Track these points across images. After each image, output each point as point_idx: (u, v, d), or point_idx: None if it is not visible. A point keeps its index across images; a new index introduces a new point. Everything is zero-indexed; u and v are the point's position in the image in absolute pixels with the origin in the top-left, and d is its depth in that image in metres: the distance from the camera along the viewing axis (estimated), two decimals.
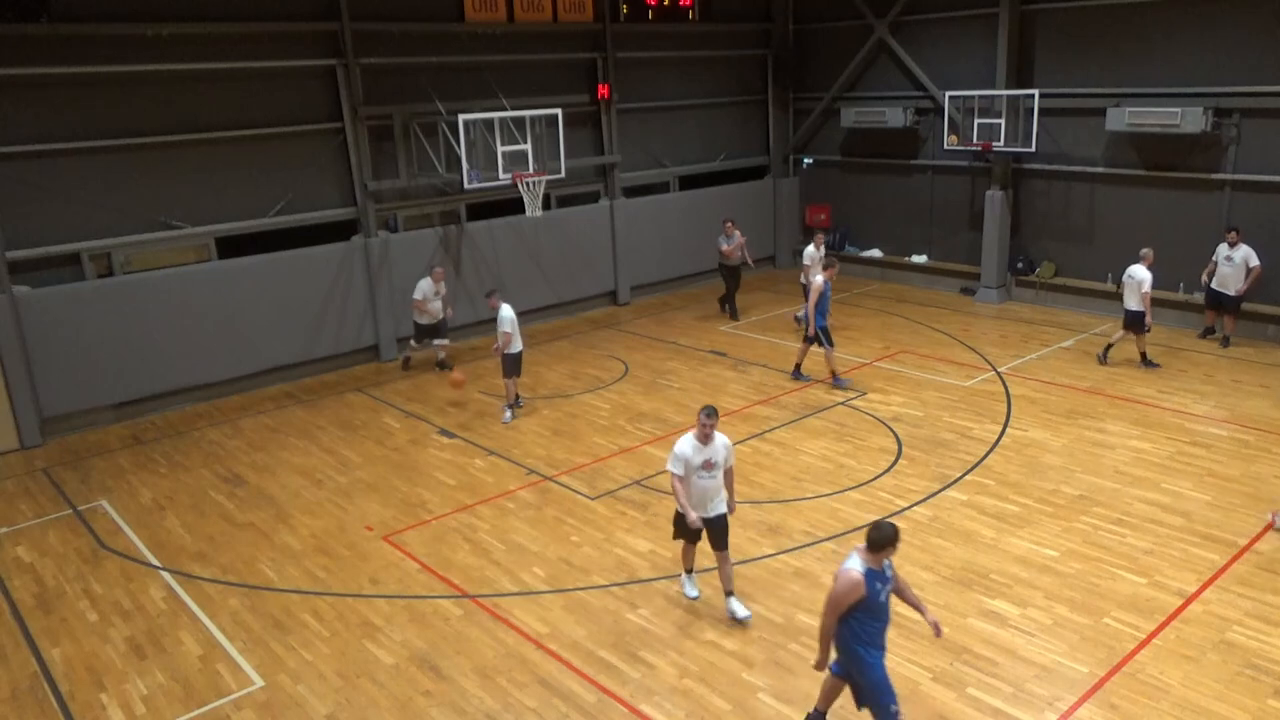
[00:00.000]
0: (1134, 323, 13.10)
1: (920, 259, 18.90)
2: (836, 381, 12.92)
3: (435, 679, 7.03)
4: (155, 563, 9.02)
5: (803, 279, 15.33)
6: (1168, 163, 15.22)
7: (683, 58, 18.79)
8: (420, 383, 14.09)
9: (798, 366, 13.40)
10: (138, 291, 12.75)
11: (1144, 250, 13.22)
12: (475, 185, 14.34)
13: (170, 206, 13.06)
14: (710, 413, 7.19)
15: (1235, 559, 8.19)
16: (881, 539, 5.47)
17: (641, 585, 8.20)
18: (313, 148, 14.24)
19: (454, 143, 14.24)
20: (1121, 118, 14.99)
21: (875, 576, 5.49)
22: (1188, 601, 7.58)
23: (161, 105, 12.79)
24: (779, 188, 20.75)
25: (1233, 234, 13.65)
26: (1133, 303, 13.03)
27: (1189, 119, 14.22)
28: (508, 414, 12.30)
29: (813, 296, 12.74)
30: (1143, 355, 13.32)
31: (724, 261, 16.55)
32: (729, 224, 16.51)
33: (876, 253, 19.45)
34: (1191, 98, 14.56)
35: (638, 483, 10.24)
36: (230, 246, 13.66)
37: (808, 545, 8.73)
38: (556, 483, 10.37)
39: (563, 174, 15.44)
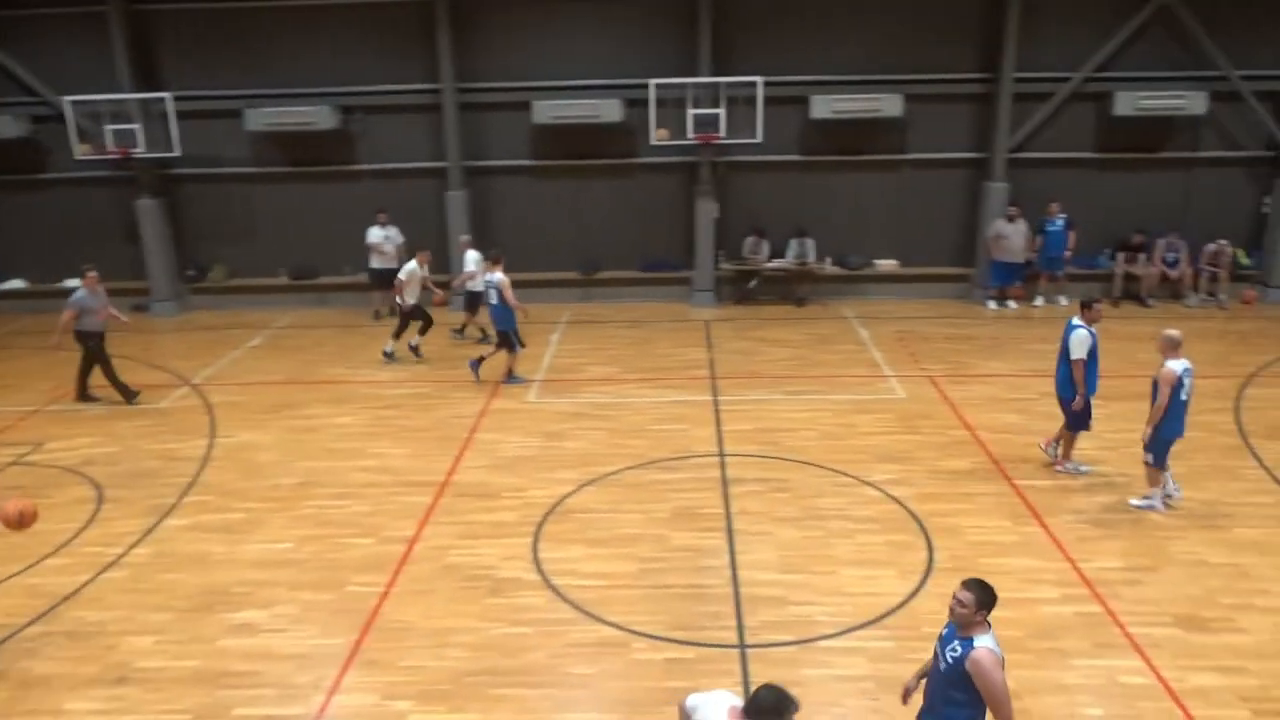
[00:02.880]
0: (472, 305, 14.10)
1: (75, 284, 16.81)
2: (1068, 465, 9.67)
3: None
4: None
5: None
6: (309, 158, 16.28)
7: None
8: None
9: (1061, 443, 9.65)
10: None
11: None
12: None
13: None
14: None
15: (439, 495, 9.28)
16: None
17: None
18: None
19: None
20: (259, 118, 15.51)
21: None
22: (411, 544, 8.33)
23: None
24: None
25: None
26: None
27: (322, 116, 15.47)
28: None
29: (1078, 353, 9.22)
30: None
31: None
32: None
33: (19, 283, 16.73)
34: (322, 97, 15.76)
35: None
36: None
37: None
38: None
39: None
